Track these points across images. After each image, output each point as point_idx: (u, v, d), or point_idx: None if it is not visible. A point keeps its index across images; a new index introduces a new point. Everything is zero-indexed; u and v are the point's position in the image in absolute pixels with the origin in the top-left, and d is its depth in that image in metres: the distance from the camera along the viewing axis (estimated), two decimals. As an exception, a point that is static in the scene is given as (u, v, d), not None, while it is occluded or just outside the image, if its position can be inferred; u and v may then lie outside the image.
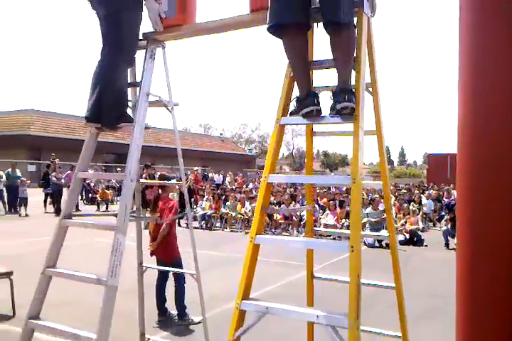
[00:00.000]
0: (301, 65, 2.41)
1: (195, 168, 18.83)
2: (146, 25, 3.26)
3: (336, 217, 11.27)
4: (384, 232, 8.55)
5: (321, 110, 2.31)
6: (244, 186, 19.71)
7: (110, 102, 3.08)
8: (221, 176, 23.81)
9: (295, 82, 2.45)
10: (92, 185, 19.04)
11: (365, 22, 2.38)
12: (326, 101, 2.38)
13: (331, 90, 2.35)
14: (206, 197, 13.47)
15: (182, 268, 4.77)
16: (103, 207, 16.26)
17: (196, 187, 14.86)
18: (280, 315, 2.16)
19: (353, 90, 2.26)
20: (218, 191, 14.36)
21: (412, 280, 5.75)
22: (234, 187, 16.44)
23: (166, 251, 4.87)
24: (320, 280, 3.00)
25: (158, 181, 4.72)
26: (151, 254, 4.90)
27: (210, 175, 23.73)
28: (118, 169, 22.43)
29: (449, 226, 10.30)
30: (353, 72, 2.33)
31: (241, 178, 23.88)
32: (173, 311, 4.96)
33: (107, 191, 16.76)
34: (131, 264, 3.56)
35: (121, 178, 3.03)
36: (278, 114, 2.45)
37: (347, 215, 11.29)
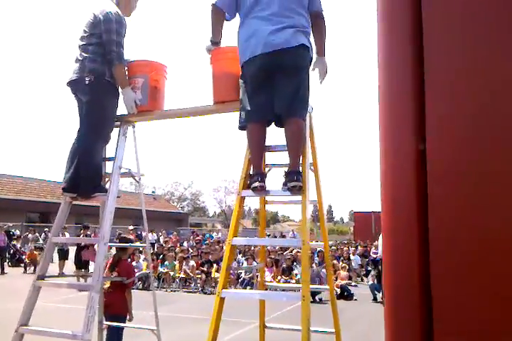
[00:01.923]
0: (258, 150, 3.05)
1: (131, 228, 18.68)
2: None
3: (272, 274, 11.71)
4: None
5: (264, 186, 2.92)
6: (179, 245, 19.71)
7: (88, 176, 3.50)
8: (154, 235, 23.62)
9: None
10: (19, 246, 18.21)
11: (308, 117, 3.09)
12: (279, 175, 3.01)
13: (284, 171, 2.97)
14: (143, 257, 13.44)
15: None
16: (30, 269, 15.56)
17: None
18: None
19: (300, 171, 2.91)
20: (155, 250, 14.39)
21: (345, 333, 6.25)
22: (170, 247, 16.47)
23: (118, 308, 5.11)
24: (272, 329, 3.46)
25: (125, 244, 5.03)
26: (104, 312, 5.09)
27: (143, 234, 23.44)
28: (45, 229, 21.61)
29: (375, 281, 11.08)
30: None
31: (175, 237, 23.80)
32: None
33: (35, 252, 16.12)
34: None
35: (95, 242, 3.40)
36: (239, 188, 3.03)
37: (283, 272, 11.79)
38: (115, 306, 5.11)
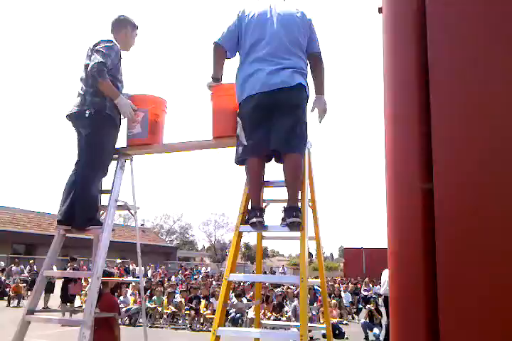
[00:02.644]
0: (256, 185, 3.07)
1: (118, 261, 18.35)
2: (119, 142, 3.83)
3: (262, 311, 11.46)
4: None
5: (262, 221, 2.92)
6: (166, 279, 19.34)
7: (84, 208, 3.48)
8: (142, 268, 23.19)
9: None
10: (3, 278, 17.72)
11: (307, 153, 3.13)
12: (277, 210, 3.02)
13: (283, 206, 2.98)
14: (131, 291, 13.14)
15: None
16: (14, 302, 15.09)
17: (120, 281, 14.42)
18: None
19: (299, 207, 2.92)
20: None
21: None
22: (158, 281, 16.14)
23: None
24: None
25: (115, 279, 4.93)
26: None
27: (131, 267, 23.01)
28: (31, 261, 21.12)
29: (367, 319, 10.88)
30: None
31: (163, 271, 23.38)
32: None
33: (20, 285, 15.69)
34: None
35: (88, 276, 3.34)
36: (237, 222, 3.02)
37: (273, 309, 11.55)
38: None
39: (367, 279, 20.26)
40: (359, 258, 32.38)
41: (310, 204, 3.32)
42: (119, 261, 18.53)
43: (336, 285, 15.78)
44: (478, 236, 0.99)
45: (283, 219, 2.96)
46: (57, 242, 3.55)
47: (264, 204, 3.35)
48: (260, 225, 2.93)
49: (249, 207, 3.05)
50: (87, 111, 3.50)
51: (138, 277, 19.69)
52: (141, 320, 12.27)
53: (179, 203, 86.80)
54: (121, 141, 3.82)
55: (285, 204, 3.00)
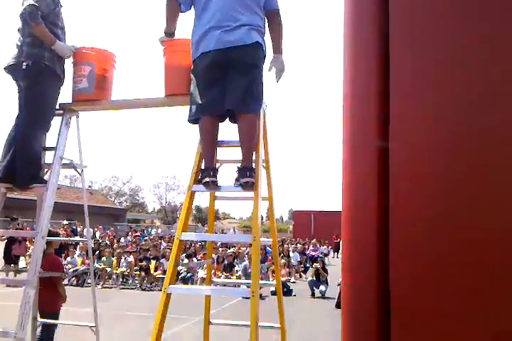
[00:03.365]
0: (210, 145, 3.01)
1: (65, 222, 17.95)
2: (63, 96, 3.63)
3: (213, 271, 11.67)
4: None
5: (216, 181, 2.90)
6: (116, 240, 19.19)
7: (25, 165, 3.32)
8: (91, 230, 22.85)
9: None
10: None
11: (262, 114, 3.09)
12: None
13: (237, 166, 2.95)
14: (78, 252, 12.97)
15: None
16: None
17: (65, 242, 14.19)
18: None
19: (253, 167, 2.90)
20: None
21: (287, 327, 6.37)
22: (107, 242, 16.00)
23: (50, 304, 4.93)
24: (215, 325, 3.44)
25: (62, 239, 4.80)
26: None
27: (78, 229, 22.59)
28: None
29: (314, 277, 11.33)
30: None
31: (112, 232, 23.15)
32: None
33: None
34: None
35: (33, 235, 3.22)
36: (190, 182, 2.97)
37: (224, 269, 11.79)
38: (47, 303, 4.91)
39: (314, 240, 20.99)
40: (308, 220, 33.37)
41: (264, 165, 3.31)
42: (65, 222, 18.11)
43: (285, 246, 16.24)
44: (431, 192, 0.99)
45: (236, 179, 2.94)
46: (-2, 201, 3.38)
47: (218, 165, 3.31)
48: (213, 185, 2.90)
49: (202, 167, 3.00)
50: (24, 63, 3.29)
51: (82, 236, 19.43)
52: (89, 281, 12.22)
53: (128, 165, 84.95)
54: (66, 96, 3.62)
55: (239, 165, 2.97)
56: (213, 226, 3.46)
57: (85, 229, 3.94)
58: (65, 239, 4.86)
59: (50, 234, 5.55)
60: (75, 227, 22.08)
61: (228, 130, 3.20)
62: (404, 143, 1.02)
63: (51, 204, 3.32)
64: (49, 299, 4.95)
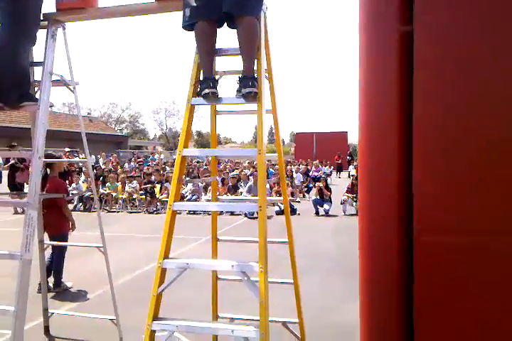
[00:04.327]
0: (207, 53, 2.76)
1: (67, 150, 17.92)
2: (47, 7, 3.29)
3: (218, 193, 11.80)
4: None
5: (216, 92, 2.69)
6: (119, 166, 19.31)
7: (13, 81, 3.09)
8: (93, 157, 22.95)
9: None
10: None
11: (263, 17, 2.79)
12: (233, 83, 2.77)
13: (238, 76, 2.72)
14: (83, 178, 13.05)
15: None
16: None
17: (70, 169, 14.27)
18: (200, 269, 2.55)
19: (256, 76, 2.67)
20: (94, 172, 14.06)
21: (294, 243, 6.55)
22: (111, 169, 16.08)
23: (57, 227, 4.99)
24: (223, 241, 3.43)
25: (61, 160, 4.68)
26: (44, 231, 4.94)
27: (80, 156, 22.66)
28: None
29: (317, 196, 11.48)
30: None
31: (115, 159, 23.24)
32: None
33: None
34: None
35: (29, 156, 3.08)
36: (189, 95, 2.76)
37: (228, 190, 11.91)
38: (54, 226, 4.95)
39: (317, 161, 21.09)
40: (309, 142, 33.33)
41: (266, 74, 3.07)
42: (67, 149, 18.07)
43: (288, 167, 16.33)
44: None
45: (238, 90, 2.73)
46: (-11, 122, 3.20)
47: (217, 77, 3.06)
48: (213, 96, 2.69)
49: (201, 78, 2.77)
50: None
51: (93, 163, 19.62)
52: (96, 206, 12.44)
53: (126, 91, 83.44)
54: (50, 6, 3.29)
55: (240, 75, 2.74)
56: (216, 143, 3.31)
57: (86, 152, 3.80)
58: (64, 159, 4.74)
59: (52, 157, 5.49)
60: (76, 155, 22.13)
61: (227, 37, 2.92)
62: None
63: (45, 121, 3.13)
64: (55, 222, 4.99)
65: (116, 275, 5.56)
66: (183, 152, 2.69)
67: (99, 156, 24.02)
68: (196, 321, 2.43)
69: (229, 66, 3.17)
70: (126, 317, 3.80)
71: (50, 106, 3.28)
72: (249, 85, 2.61)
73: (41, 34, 3.30)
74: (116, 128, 54.22)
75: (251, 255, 2.39)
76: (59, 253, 5.07)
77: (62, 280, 5.13)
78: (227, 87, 2.93)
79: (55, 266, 5.06)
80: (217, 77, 3.06)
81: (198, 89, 2.75)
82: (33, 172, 2.99)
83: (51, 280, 5.11)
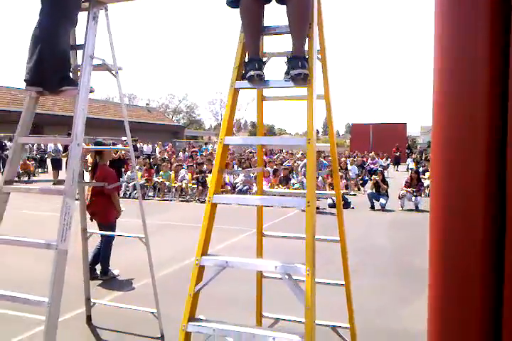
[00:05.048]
0: (253, 30, 2.50)
1: (124, 139, 18.30)
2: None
3: (269, 184, 11.60)
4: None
5: (262, 75, 2.42)
6: (174, 156, 19.55)
7: (53, 65, 2.97)
8: (150, 146, 23.41)
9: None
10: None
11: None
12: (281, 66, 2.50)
13: (286, 56, 2.45)
14: (138, 166, 13.25)
15: (115, 232, 4.96)
16: (24, 179, 15.48)
17: (126, 157, 14.56)
18: (240, 268, 2.32)
19: (306, 57, 2.39)
20: (150, 161, 14.27)
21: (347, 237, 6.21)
22: (165, 157, 16.28)
23: (105, 215, 4.97)
24: (269, 237, 3.19)
25: (103, 147, 4.63)
26: (91, 219, 4.93)
27: (139, 145, 23.18)
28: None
29: (373, 189, 10.99)
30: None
31: (170, 148, 23.60)
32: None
33: (28, 162, 15.93)
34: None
35: (67, 143, 2.97)
36: (232, 78, 2.52)
37: (280, 182, 11.67)
38: (102, 214, 4.94)
39: (373, 153, 20.38)
40: (366, 134, 32.37)
41: (319, 56, 2.77)
42: (124, 138, 18.44)
43: (343, 159, 15.83)
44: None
45: (286, 72, 2.46)
46: (30, 107, 3.10)
47: (265, 59, 2.80)
48: (259, 79, 2.44)
49: (246, 60, 2.52)
50: None
51: (143, 152, 19.84)
52: (150, 194, 12.59)
53: (184, 82, 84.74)
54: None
55: (289, 55, 2.47)
56: (263, 131, 3.06)
57: (126, 138, 3.68)
58: (106, 147, 4.66)
59: (100, 144, 5.46)
60: (135, 144, 22.64)
61: (275, 14, 2.65)
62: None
63: (85, 107, 3.01)
64: (103, 210, 4.97)
65: (164, 265, 5.51)
66: (225, 140, 2.46)
67: (156, 145, 24.48)
68: (234, 324, 2.23)
69: (278, 47, 2.90)
70: (170, 309, 3.66)
71: (91, 92, 3.15)
72: (298, 66, 2.33)
73: (83, 16, 3.18)
74: (173, 119, 55.30)
75: (300, 248, 2.14)
76: (107, 241, 5.05)
77: (109, 268, 5.12)
78: (276, 70, 2.66)
79: (102, 253, 5.04)
80: (264, 59, 2.81)
81: (243, 72, 2.51)
82: (72, 160, 2.88)
83: (99, 268, 5.11)
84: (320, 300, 2.64)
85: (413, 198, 10.65)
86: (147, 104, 52.65)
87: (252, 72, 2.41)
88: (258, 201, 2.41)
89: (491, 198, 0.92)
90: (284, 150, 24.13)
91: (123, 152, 13.97)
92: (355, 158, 18.39)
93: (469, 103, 0.95)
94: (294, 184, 11.64)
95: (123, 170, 13.14)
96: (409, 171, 12.78)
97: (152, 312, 3.59)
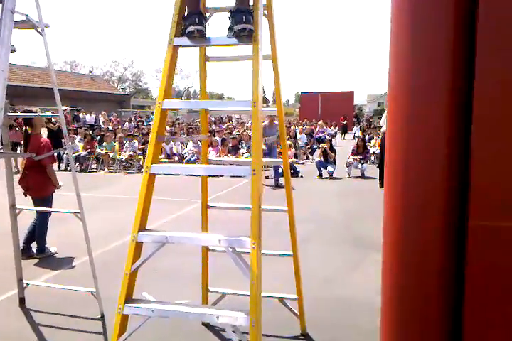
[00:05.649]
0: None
1: (64, 108, 17.34)
2: None
3: (218, 154, 11.37)
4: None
5: (202, 30, 2.19)
6: (120, 126, 18.81)
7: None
8: (93, 116, 22.38)
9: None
10: None
11: None
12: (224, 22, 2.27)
13: (229, 10, 2.22)
14: (79, 137, 12.61)
15: (51, 207, 4.61)
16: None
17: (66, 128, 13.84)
18: (182, 243, 2.14)
19: (251, 10, 2.16)
20: (92, 132, 13.62)
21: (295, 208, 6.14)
22: (109, 128, 15.60)
23: (40, 189, 4.60)
24: (214, 208, 3.02)
25: (29, 114, 4.21)
26: (25, 194, 4.55)
27: (81, 115, 22.10)
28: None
29: (321, 157, 11.02)
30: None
31: (115, 118, 22.68)
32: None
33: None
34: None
35: (-13, 109, 2.63)
36: (170, 35, 2.27)
37: (229, 151, 11.46)
38: (36, 189, 4.58)
39: (321, 121, 20.48)
40: (315, 102, 32.50)
41: (265, 12, 2.54)
42: (64, 108, 17.49)
43: (292, 127, 15.77)
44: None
45: (230, 28, 2.23)
46: None
47: (207, 15, 2.54)
48: (200, 35, 2.20)
49: (186, 14, 2.26)
50: None
51: (85, 123, 18.91)
52: (93, 166, 12.06)
53: (129, 49, 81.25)
54: None
55: (233, 9, 2.23)
56: (206, 95, 2.83)
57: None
58: (27, 114, 4.24)
59: (28, 112, 4.99)
60: (76, 114, 21.55)
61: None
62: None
63: (5, 68, 2.67)
64: (38, 184, 4.59)
65: (106, 240, 5.24)
66: (163, 104, 2.24)
67: (100, 115, 23.44)
68: (174, 304, 2.06)
69: (221, 2, 2.65)
70: (110, 288, 3.45)
71: (12, 51, 2.79)
72: (242, 21, 2.11)
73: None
74: (118, 87, 53.19)
75: (248, 219, 1.99)
76: (42, 217, 4.70)
77: (46, 245, 4.80)
78: (221, 29, 2.41)
79: (37, 230, 4.70)
80: (207, 15, 2.56)
81: (182, 27, 2.26)
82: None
83: (35, 245, 4.78)
84: (267, 270, 2.54)
85: (360, 165, 10.80)
86: (90, 72, 50.20)
87: (191, 27, 2.18)
88: (200, 170, 2.20)
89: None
90: (234, 119, 23.77)
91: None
92: (304, 126, 18.39)
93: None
94: (243, 153, 11.48)
95: (63, 141, 12.46)
96: (356, 139, 12.91)
97: (91, 292, 3.37)
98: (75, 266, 4.57)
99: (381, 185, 8.92)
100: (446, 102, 0.96)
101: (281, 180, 8.76)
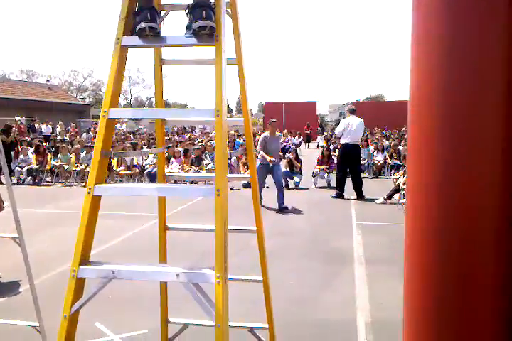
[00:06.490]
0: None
1: (17, 119, 16.56)
2: None
3: (180, 165, 10.96)
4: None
5: (155, 28, 1.88)
6: (78, 137, 18.10)
7: None
8: (50, 127, 21.50)
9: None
10: None
11: None
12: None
13: (187, 6, 1.93)
14: (32, 149, 11.94)
15: None
16: None
17: (19, 140, 13.12)
18: (132, 279, 1.80)
19: (213, 6, 1.87)
20: (47, 143, 12.97)
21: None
22: (66, 139, 14.94)
23: None
24: (174, 230, 2.68)
25: None
26: None
27: (37, 126, 21.18)
28: None
29: (287, 168, 10.80)
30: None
31: (73, 128, 21.87)
32: None
33: None
34: None
35: None
36: (118, 33, 1.94)
37: (192, 163, 11.08)
38: None
39: (285, 131, 20.38)
40: (279, 112, 32.50)
41: (229, 10, 2.26)
42: (17, 118, 16.66)
43: (257, 137, 15.48)
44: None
45: (188, 27, 1.93)
46: None
47: (163, 13, 2.24)
48: (152, 33, 1.89)
49: (136, 9, 1.95)
50: None
51: (41, 133, 18.11)
52: (48, 179, 11.42)
53: (89, 58, 79.54)
54: None
55: (191, 4, 1.94)
56: (162, 103, 2.50)
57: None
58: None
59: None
60: (31, 124, 20.65)
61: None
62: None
63: None
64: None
65: (57, 261, 4.77)
66: (110, 113, 1.91)
67: (57, 126, 22.56)
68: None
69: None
70: (57, 320, 3.05)
71: None
72: (202, 17, 1.82)
73: None
74: (77, 97, 51.85)
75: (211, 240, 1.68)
76: None
77: None
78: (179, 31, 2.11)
79: None
80: (162, 13, 2.26)
81: (133, 24, 1.95)
82: None
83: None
84: (235, 294, 2.23)
85: (325, 175, 10.64)
86: (47, 81, 48.70)
87: (143, 24, 1.86)
88: (153, 191, 1.88)
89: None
90: (197, 130, 23.34)
91: (16, 134, 12.58)
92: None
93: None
94: (206, 165, 11.11)
95: (12, 153, 11.77)
96: (320, 149, 12.77)
97: (34, 327, 2.95)
98: (20, 291, 4.09)
99: (359, 196, 8.59)
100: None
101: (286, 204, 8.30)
